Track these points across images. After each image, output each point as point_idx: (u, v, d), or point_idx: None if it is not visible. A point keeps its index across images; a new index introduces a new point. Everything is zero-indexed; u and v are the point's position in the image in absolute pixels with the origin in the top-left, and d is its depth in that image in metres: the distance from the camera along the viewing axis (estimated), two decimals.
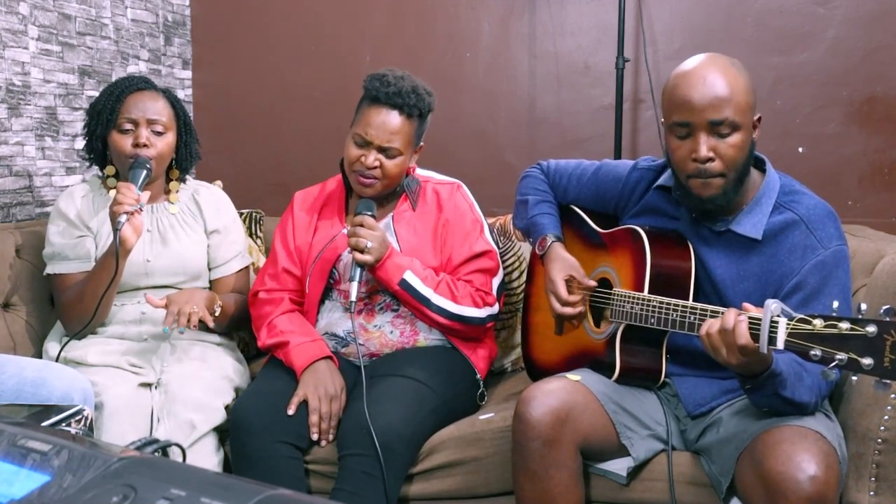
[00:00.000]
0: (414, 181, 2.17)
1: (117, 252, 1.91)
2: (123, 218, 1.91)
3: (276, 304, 2.14)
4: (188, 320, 1.97)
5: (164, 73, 3.09)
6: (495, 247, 2.17)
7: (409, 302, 2.04)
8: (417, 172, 2.21)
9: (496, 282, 2.14)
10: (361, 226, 1.97)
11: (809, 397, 1.61)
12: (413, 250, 2.08)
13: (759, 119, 1.73)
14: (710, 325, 1.53)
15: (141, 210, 1.96)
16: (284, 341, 2.05)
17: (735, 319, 1.49)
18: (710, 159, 1.66)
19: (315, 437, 1.94)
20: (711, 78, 1.66)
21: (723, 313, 1.53)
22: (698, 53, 1.74)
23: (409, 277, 2.00)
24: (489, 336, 2.24)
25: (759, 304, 1.48)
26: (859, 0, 2.71)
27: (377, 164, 2.02)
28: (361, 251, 1.95)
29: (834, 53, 2.75)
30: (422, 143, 2.12)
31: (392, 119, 2.01)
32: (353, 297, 1.95)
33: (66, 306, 2.08)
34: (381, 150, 2.02)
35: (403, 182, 2.13)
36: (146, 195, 2.02)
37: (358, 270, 1.96)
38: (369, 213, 2.01)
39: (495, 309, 2.13)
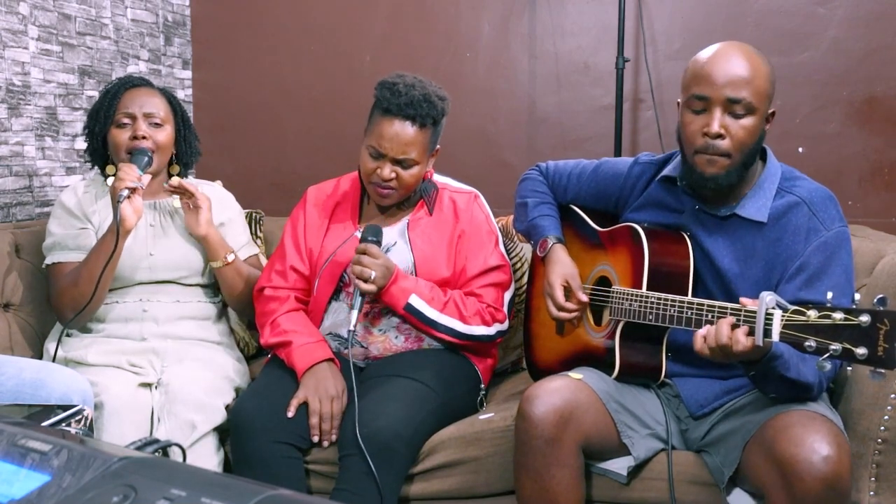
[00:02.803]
0: (431, 185, 2.15)
1: (117, 230, 1.91)
2: (125, 193, 1.91)
3: (281, 302, 2.13)
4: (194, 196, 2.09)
5: (164, 73, 3.09)
6: (507, 259, 2.16)
7: (415, 324, 2.03)
8: (435, 178, 2.18)
9: (507, 296, 2.13)
10: (365, 253, 1.94)
11: (815, 377, 1.62)
12: (426, 259, 2.06)
13: (773, 114, 1.75)
14: (707, 339, 1.54)
15: (142, 189, 1.96)
16: (287, 341, 2.04)
17: (728, 334, 1.50)
18: (721, 136, 1.69)
19: (316, 438, 1.93)
20: (736, 58, 1.69)
21: (718, 316, 1.54)
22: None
23: (415, 301, 1.99)
24: (493, 346, 2.23)
25: (767, 289, 1.49)
26: (859, 0, 2.72)
27: (394, 175, 1.99)
28: (365, 280, 1.92)
29: (834, 53, 2.75)
30: (438, 147, 2.09)
31: (406, 130, 1.97)
32: (352, 326, 1.92)
33: (61, 292, 2.05)
34: (397, 161, 1.99)
35: (420, 187, 2.11)
36: (147, 177, 2.02)
37: (360, 299, 1.94)
38: (374, 239, 1.99)
39: (505, 325, 2.12)
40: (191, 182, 2.18)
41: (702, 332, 1.56)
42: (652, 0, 2.85)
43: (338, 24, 3.11)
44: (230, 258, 2.13)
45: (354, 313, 1.93)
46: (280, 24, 3.15)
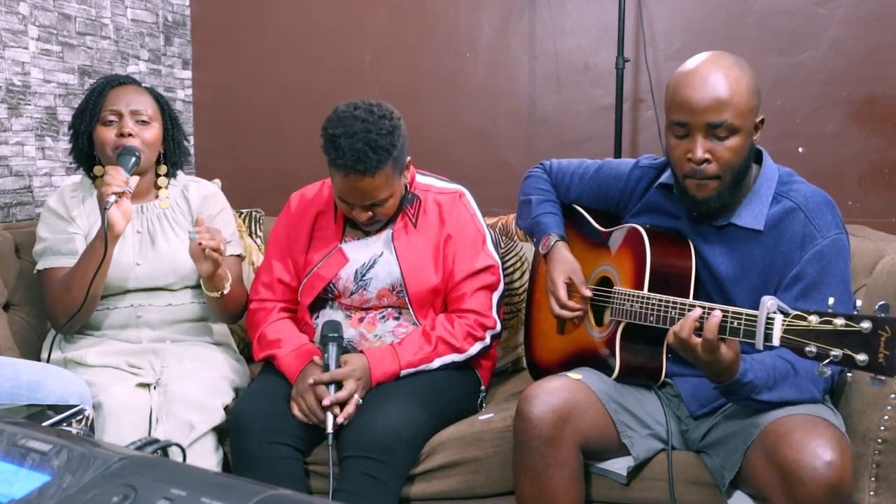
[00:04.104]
0: (413, 196, 2.09)
1: (105, 235, 1.88)
2: (112, 199, 1.87)
3: (267, 313, 2.13)
4: (212, 242, 1.90)
5: (164, 73, 3.09)
6: (497, 257, 2.12)
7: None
8: (418, 180, 2.13)
9: (496, 297, 2.10)
10: (332, 381, 1.87)
11: (795, 394, 1.62)
12: (413, 269, 2.04)
13: (762, 121, 1.72)
14: (672, 333, 1.57)
15: (130, 193, 1.93)
16: (273, 354, 2.04)
17: (689, 328, 1.53)
18: (706, 161, 1.66)
19: (303, 419, 1.90)
20: (713, 79, 1.64)
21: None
22: (699, 53, 1.73)
23: (407, 373, 1.98)
24: (491, 347, 2.22)
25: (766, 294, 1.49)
26: (859, 0, 2.72)
27: (370, 213, 1.97)
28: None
29: (834, 53, 2.75)
30: (409, 158, 2.02)
31: (363, 183, 1.89)
32: (330, 429, 1.84)
33: (53, 298, 2.03)
34: (369, 206, 1.96)
35: (402, 198, 2.06)
36: (135, 179, 1.98)
37: (331, 417, 1.87)
38: (335, 335, 1.93)
39: (497, 328, 2.10)
40: (214, 237, 1.95)
41: (674, 328, 1.58)
42: (652, 0, 2.85)
43: (338, 24, 3.10)
44: (226, 290, 2.07)
45: (329, 416, 1.86)
46: (280, 24, 3.15)
